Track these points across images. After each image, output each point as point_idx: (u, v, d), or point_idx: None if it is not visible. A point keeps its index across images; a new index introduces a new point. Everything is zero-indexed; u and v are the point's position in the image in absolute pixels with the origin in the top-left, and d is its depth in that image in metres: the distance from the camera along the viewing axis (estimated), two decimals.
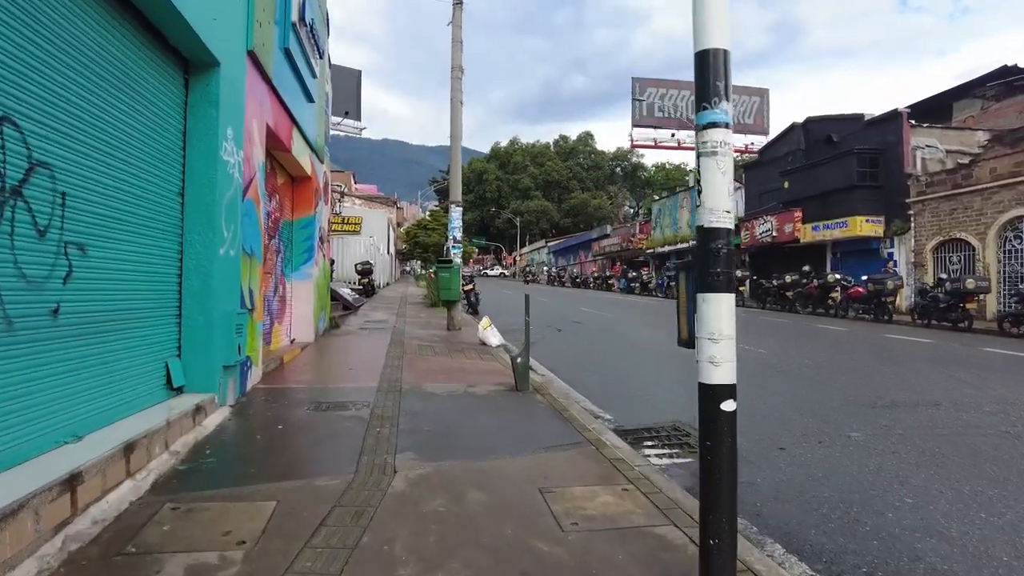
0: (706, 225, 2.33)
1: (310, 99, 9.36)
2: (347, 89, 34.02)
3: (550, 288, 45.25)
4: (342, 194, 28.69)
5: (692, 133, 33.30)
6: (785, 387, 7.37)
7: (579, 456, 4.21)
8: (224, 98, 5.09)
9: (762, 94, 54.56)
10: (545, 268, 70.16)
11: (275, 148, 7.97)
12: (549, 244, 71.09)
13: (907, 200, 20.96)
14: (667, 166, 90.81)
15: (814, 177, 24.77)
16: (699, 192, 2.38)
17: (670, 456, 4.70)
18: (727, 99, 2.29)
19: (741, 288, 25.46)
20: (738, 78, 48.70)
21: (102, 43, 3.71)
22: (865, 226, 22.10)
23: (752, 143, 53.55)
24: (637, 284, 35.95)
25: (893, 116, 21.96)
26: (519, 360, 6.24)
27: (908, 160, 21.31)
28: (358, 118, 34.36)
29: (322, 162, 10.92)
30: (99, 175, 3.71)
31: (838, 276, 19.82)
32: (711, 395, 2.35)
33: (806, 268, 22.39)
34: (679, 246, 37.31)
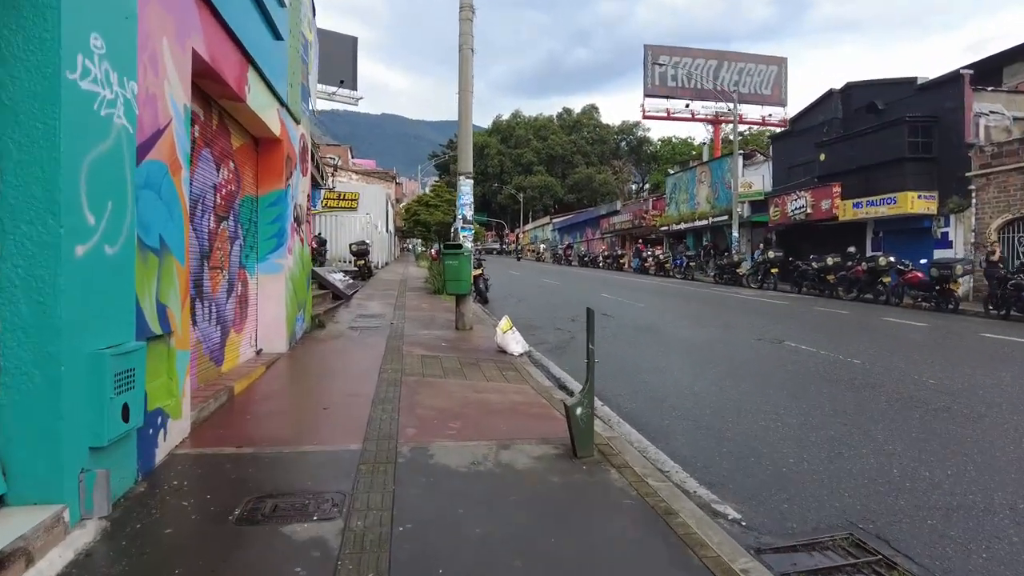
0: None
1: (277, 35, 7.07)
2: (342, 56, 31.48)
3: (557, 268, 43.05)
4: (335, 167, 26.34)
5: (707, 104, 31.01)
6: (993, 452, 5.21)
7: None
8: None
9: (780, 63, 51.70)
10: (543, 246, 67.84)
11: (221, 95, 5.72)
12: (554, 221, 68.69)
13: (967, 174, 18.64)
14: (673, 140, 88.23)
15: (856, 149, 22.39)
16: None
17: None
18: None
19: (773, 271, 23.26)
20: (747, 50, 45.85)
21: None
22: (916, 203, 19.80)
23: (770, 115, 50.96)
24: (652, 264, 33.71)
25: (952, 79, 19.52)
26: (579, 412, 4.06)
27: (970, 129, 18.94)
28: (354, 87, 31.87)
29: (298, 122, 8.65)
30: None
31: (892, 259, 17.59)
32: None
33: (851, 249, 20.14)
34: (697, 223, 35.00)
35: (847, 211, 22.41)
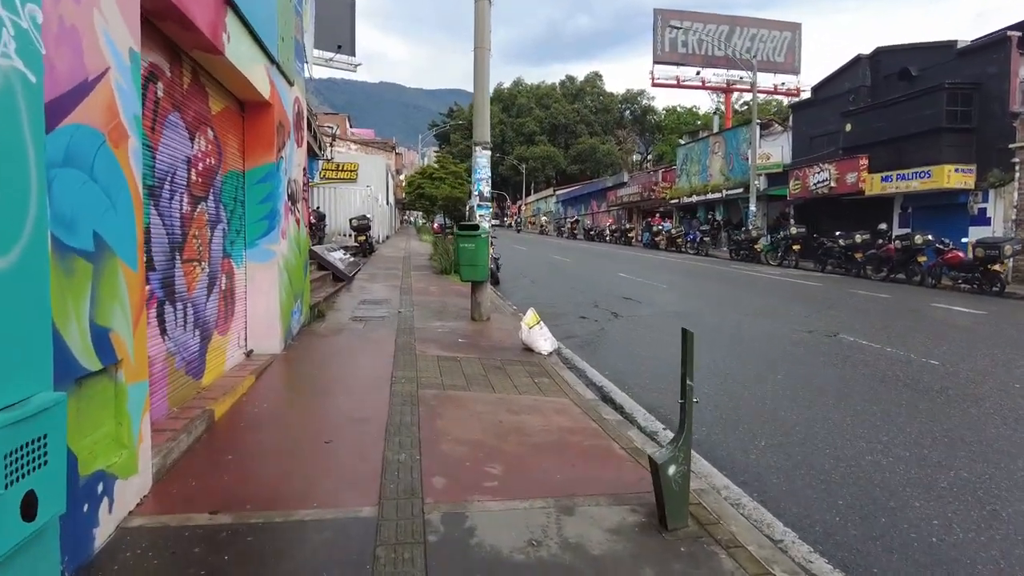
0: None
1: None
2: (338, 19, 29.79)
3: (563, 243, 41.87)
4: (334, 136, 25.00)
5: (719, 71, 29.47)
6: None
7: None
8: None
9: (794, 29, 49.73)
10: (544, 219, 66.46)
11: (193, 44, 4.55)
12: (557, 193, 67.23)
13: (1011, 145, 17.42)
14: (678, 109, 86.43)
15: (886, 118, 21.06)
16: None
17: None
18: None
19: (795, 247, 22.13)
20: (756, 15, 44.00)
21: None
22: (953, 176, 18.59)
23: (783, 83, 49.22)
24: (663, 238, 32.54)
25: (998, 42, 18.13)
26: (672, 471, 3.00)
27: (1015, 96, 17.64)
28: (352, 53, 30.26)
29: (291, 84, 7.45)
30: None
31: (929, 237, 16.45)
32: None
33: (883, 226, 19.04)
34: (709, 196, 33.73)
35: (874, 185, 21.19)
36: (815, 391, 5.97)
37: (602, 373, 6.63)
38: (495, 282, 14.74)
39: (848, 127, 22.88)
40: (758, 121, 30.70)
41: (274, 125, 6.52)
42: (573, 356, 7.40)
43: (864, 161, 21.64)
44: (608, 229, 41.54)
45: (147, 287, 4.03)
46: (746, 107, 64.16)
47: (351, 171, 30.24)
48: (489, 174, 8.90)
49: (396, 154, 54.56)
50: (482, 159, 8.83)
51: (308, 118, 18.21)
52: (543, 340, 7.26)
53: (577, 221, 51.23)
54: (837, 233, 20.32)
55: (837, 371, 6.79)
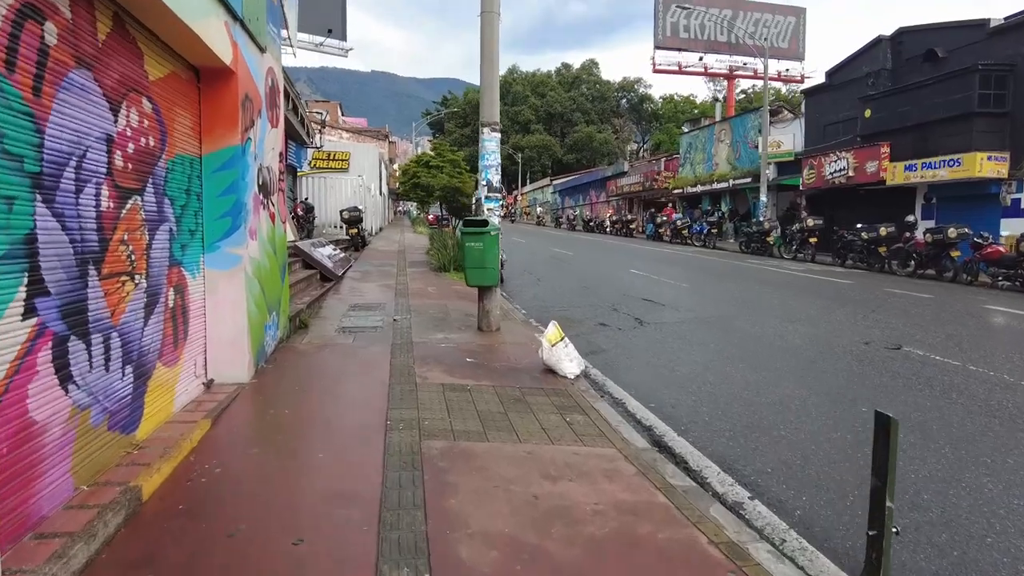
0: None
1: None
2: (329, 1, 28.38)
3: (562, 234, 40.63)
4: (323, 123, 23.60)
5: (722, 57, 28.18)
6: None
7: None
8: None
9: (798, 14, 48.31)
10: (539, 209, 65.17)
11: None
12: (554, 182, 65.86)
13: None
14: (675, 97, 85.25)
15: (910, 103, 19.86)
16: None
17: None
18: None
19: (812, 240, 20.94)
20: None
21: None
22: (985, 164, 17.42)
23: (787, 69, 47.86)
24: (668, 230, 31.30)
25: None
26: None
27: None
28: (343, 37, 28.84)
29: (263, 50, 6.14)
30: None
31: (966, 230, 15.27)
32: None
33: (911, 218, 17.87)
34: (715, 186, 32.51)
35: (897, 174, 20.00)
36: (918, 430, 4.77)
37: (646, 405, 5.40)
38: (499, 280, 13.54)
39: (868, 113, 21.67)
40: (768, 108, 29.47)
41: (238, 99, 5.23)
42: (605, 380, 6.17)
43: (886, 149, 20.45)
44: (608, 220, 40.27)
45: (32, 321, 2.77)
46: (743, 95, 63.00)
47: (342, 160, 28.86)
48: (499, 160, 7.63)
49: (390, 142, 53.10)
50: (490, 143, 7.55)
51: (294, 101, 16.86)
52: (569, 361, 6.04)
53: (575, 211, 49.95)
54: (858, 225, 19.16)
55: (922, 398, 5.60)
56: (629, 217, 38.58)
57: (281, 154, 6.98)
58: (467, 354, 6.67)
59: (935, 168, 18.62)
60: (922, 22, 20.90)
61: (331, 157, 28.83)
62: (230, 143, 5.19)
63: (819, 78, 27.48)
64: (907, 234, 17.28)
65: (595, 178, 50.89)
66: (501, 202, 7.52)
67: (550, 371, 6.07)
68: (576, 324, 8.91)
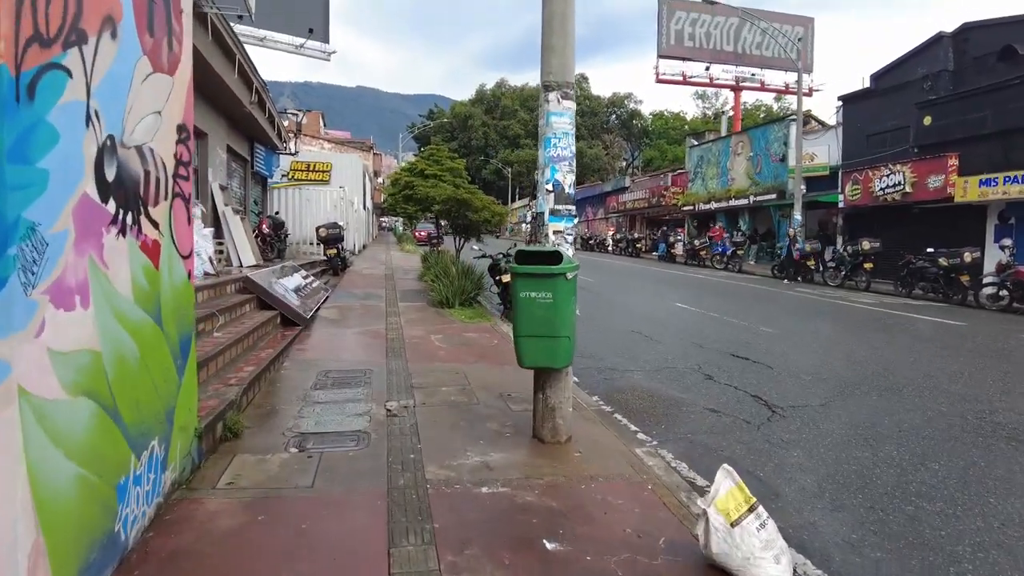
0: None
1: None
2: (311, 1, 25.23)
3: None
4: (299, 125, 20.37)
5: (728, 68, 25.27)
6: None
7: None
8: None
9: (806, 24, 46.17)
10: (524, 227, 62.17)
11: None
12: None
13: None
14: (666, 114, 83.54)
15: (981, 108, 17.15)
16: None
17: None
18: None
19: (867, 266, 18.00)
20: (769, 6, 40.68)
21: None
22: None
23: (796, 80, 45.46)
24: (683, 251, 28.34)
25: None
26: None
27: None
28: (326, 40, 25.48)
29: None
30: None
31: None
32: None
33: (1007, 242, 14.96)
34: (732, 202, 29.70)
35: (970, 190, 17.19)
36: None
37: None
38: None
39: (927, 120, 18.93)
40: (794, 118, 26.79)
41: None
42: None
43: (954, 161, 17.67)
44: (611, 238, 37.31)
45: None
46: (749, 108, 60.86)
47: (323, 172, 25.70)
48: (573, 150, 4.44)
49: (374, 154, 49.93)
50: (561, 118, 4.36)
51: (260, 92, 13.62)
52: (771, 560, 2.82)
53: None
54: (929, 249, 16.29)
55: None
56: (635, 236, 35.61)
57: (187, 131, 3.72)
58: (534, 514, 3.41)
59: (1021, 183, 15.81)
60: (990, 16, 18.21)
61: (311, 168, 25.62)
62: None
63: (828, 90, 25.02)
64: (1001, 261, 14.39)
65: (593, 194, 48.05)
66: (575, 221, 4.27)
67: (716, 567, 2.87)
68: (670, 410, 5.72)
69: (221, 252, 11.70)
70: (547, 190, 4.36)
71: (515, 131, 79.15)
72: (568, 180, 4.41)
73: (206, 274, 8.99)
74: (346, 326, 9.15)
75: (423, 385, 5.92)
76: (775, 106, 67.20)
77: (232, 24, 13.53)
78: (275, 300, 8.54)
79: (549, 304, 4.07)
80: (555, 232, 4.38)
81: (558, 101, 4.35)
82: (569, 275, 4.08)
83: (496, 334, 8.84)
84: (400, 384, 5.93)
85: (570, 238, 4.44)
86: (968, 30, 18.83)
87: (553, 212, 4.38)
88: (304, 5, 23.57)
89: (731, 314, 11.87)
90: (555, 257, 4.13)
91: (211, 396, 4.60)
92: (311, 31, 24.71)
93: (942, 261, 15.45)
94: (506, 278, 10.40)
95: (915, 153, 19.19)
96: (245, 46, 14.40)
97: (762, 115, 59.91)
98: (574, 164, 4.43)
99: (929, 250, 16.25)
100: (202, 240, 9.36)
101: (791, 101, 58.20)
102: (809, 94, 44.89)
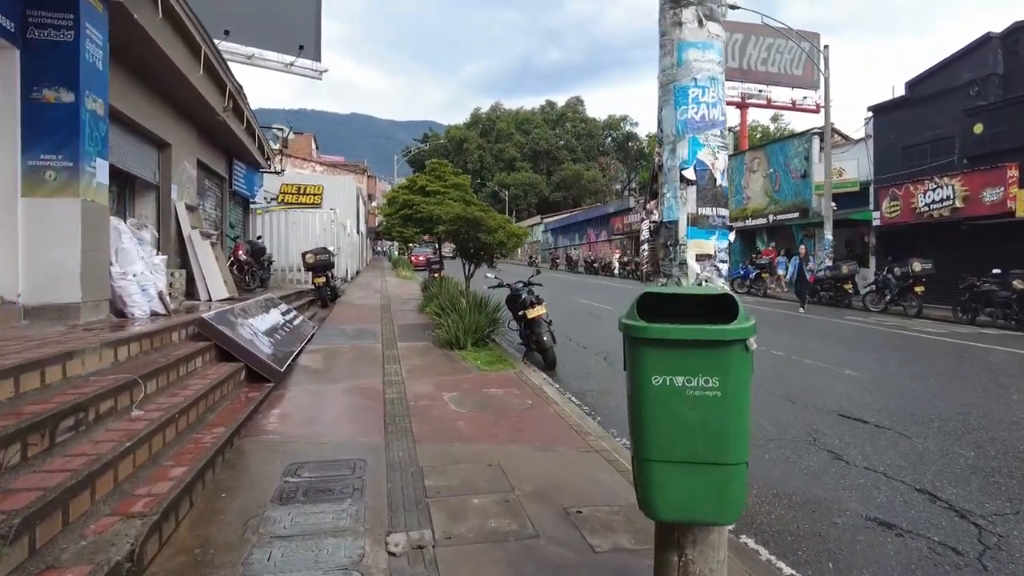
0: None
1: None
2: (301, 15, 23.43)
3: (566, 277, 35.68)
4: (284, 141, 18.49)
5: (733, 84, 22.62)
6: None
7: None
8: None
9: (812, 39, 44.96)
10: (526, 248, 60.44)
11: None
12: (545, 220, 61.34)
13: None
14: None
15: None
16: None
17: None
18: None
19: (918, 289, 16.10)
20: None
21: None
22: None
23: (804, 98, 44.13)
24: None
25: None
26: None
27: None
28: (317, 57, 23.71)
29: None
30: None
31: None
32: None
33: None
34: (749, 222, 27.92)
35: None
36: None
37: None
38: (550, 365, 8.37)
39: (978, 128, 17.20)
40: (816, 132, 25.18)
41: None
42: None
43: (1014, 171, 15.89)
44: (617, 261, 35.41)
45: None
46: (756, 125, 59.60)
47: (315, 195, 23.86)
48: (724, 115, 2.50)
49: (368, 177, 48.17)
50: (708, 49, 2.43)
51: (234, 96, 11.71)
52: None
53: (577, 251, 45.17)
54: (996, 271, 14.42)
55: None
56: (640, 258, 33.75)
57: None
58: None
59: None
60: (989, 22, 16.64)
61: (302, 191, 23.78)
62: None
63: (836, 106, 23.35)
64: None
65: (595, 215, 46.33)
66: (729, 236, 2.23)
67: None
68: (820, 527, 3.70)
69: (182, 285, 9.68)
70: (684, 179, 2.37)
71: (511, 154, 77.97)
72: (721, 162, 2.43)
73: (154, 315, 6.96)
74: (332, 379, 7.10)
75: (443, 492, 3.87)
76: (772, 126, 66.23)
77: (217, 41, 11.70)
78: (238, 348, 6.48)
79: (715, 401, 2.06)
80: (700, 257, 2.39)
81: (699, 23, 2.41)
82: (750, 342, 2.07)
83: (526, 388, 6.81)
84: (407, 491, 3.88)
85: (723, 267, 2.45)
86: (1019, 30, 17.20)
87: (696, 221, 2.40)
88: (294, 21, 21.87)
89: (795, 351, 9.87)
90: (720, 306, 2.13)
91: (88, 548, 2.56)
92: (302, 48, 22.87)
93: (1017, 284, 13.57)
94: (533, 312, 8.40)
95: (964, 164, 17.44)
96: (230, 64, 12.56)
97: (759, 136, 58.62)
98: (727, 136, 2.44)
99: (996, 271, 14.37)
100: (148, 271, 7.34)
101: (790, 119, 56.98)
102: (816, 110, 43.54)
